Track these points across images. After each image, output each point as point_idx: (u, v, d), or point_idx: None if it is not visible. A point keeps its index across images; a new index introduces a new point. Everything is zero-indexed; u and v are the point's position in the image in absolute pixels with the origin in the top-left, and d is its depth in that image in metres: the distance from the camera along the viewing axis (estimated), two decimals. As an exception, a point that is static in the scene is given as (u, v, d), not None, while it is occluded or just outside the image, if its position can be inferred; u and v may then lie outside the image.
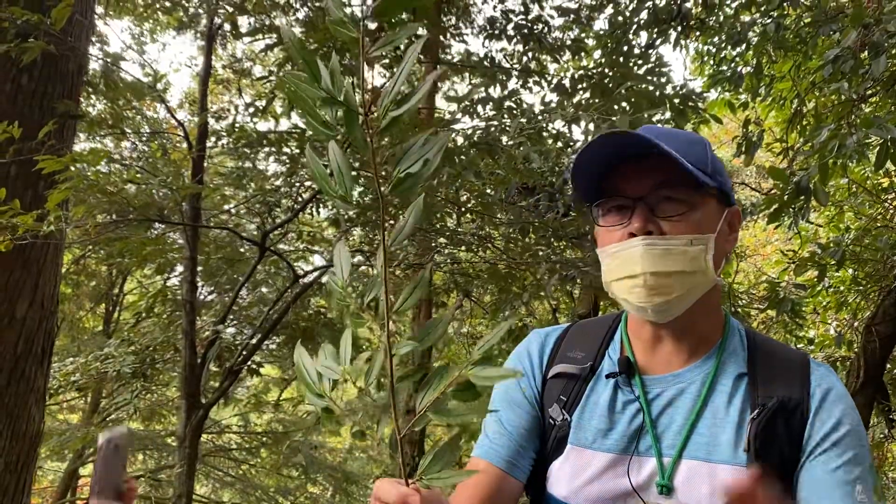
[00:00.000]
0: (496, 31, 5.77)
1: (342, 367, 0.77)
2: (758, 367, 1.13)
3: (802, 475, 1.07)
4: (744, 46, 5.14)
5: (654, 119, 4.33)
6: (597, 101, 4.48)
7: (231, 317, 5.80)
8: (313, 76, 0.64)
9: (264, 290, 7.50)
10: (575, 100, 4.81)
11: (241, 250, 6.65)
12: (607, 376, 1.19)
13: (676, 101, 4.25)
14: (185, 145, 7.11)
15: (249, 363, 5.52)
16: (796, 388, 1.10)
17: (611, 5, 6.06)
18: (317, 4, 5.34)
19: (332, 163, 0.69)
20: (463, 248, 5.33)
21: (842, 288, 5.76)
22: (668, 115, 4.48)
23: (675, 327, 1.16)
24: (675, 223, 1.08)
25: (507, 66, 5.95)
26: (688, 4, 5.60)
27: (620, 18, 5.97)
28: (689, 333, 1.16)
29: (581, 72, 5.22)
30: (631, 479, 1.11)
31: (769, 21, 4.65)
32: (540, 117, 3.99)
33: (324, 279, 6.08)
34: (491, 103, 4.73)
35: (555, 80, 5.17)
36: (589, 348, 1.24)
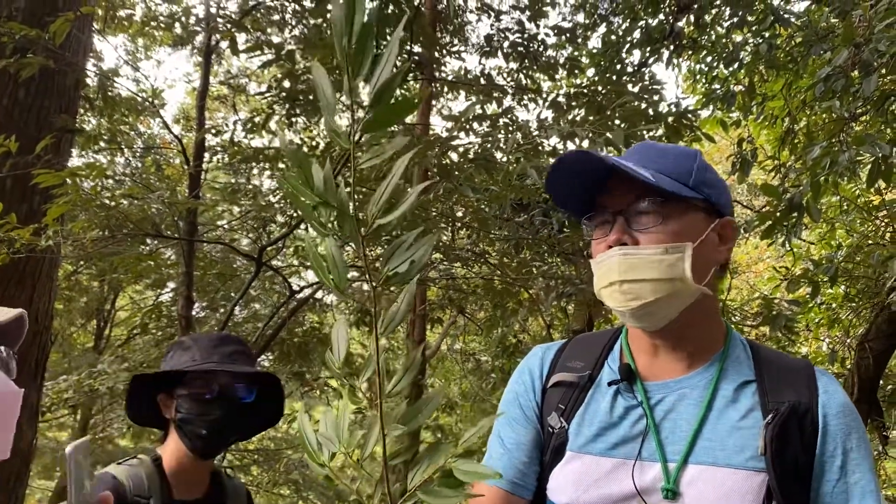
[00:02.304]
0: (492, 49, 5.83)
1: (340, 442, 0.81)
2: (765, 375, 1.16)
3: (825, 488, 1.10)
4: (736, 65, 5.20)
5: (647, 136, 4.36)
6: (591, 118, 4.52)
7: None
8: (307, 181, 0.69)
9: (257, 306, 7.49)
10: (570, 117, 4.85)
11: (234, 266, 6.63)
12: (609, 384, 1.21)
13: (671, 119, 4.29)
14: (177, 161, 7.12)
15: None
16: (805, 393, 1.13)
17: (604, 24, 6.14)
18: (311, 22, 5.37)
19: (328, 257, 0.73)
20: (458, 263, 5.34)
21: (834, 305, 5.78)
22: (660, 132, 4.52)
23: (669, 336, 1.18)
24: (649, 234, 1.13)
25: (503, 83, 5.99)
26: (680, 24, 5.68)
27: (613, 37, 6.05)
28: (685, 342, 1.18)
29: (575, 89, 5.27)
30: (635, 482, 1.12)
31: (761, 41, 4.71)
32: (536, 133, 4.03)
33: (318, 294, 6.07)
34: (487, 121, 4.76)
35: (549, 98, 5.22)
36: (588, 358, 1.27)
